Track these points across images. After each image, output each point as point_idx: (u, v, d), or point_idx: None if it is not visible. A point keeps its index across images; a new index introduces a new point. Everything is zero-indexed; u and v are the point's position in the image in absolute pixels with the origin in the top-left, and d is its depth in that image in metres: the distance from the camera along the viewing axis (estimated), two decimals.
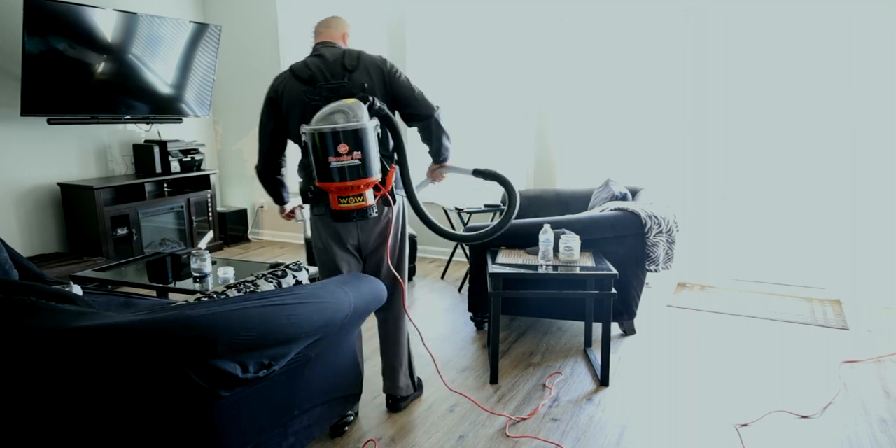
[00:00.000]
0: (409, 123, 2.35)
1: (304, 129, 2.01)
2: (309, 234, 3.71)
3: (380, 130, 2.10)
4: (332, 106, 2.01)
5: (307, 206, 2.37)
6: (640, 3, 4.02)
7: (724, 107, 3.98)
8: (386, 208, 2.27)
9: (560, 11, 4.26)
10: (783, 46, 3.79)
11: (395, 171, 2.23)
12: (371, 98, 2.09)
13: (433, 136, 2.33)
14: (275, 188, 2.44)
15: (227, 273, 3.01)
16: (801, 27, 3.73)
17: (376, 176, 2.04)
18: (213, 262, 3.28)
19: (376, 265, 2.39)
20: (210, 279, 3.02)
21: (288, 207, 2.54)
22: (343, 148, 1.95)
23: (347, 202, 2.02)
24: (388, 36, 4.80)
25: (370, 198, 2.06)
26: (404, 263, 2.46)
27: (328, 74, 2.20)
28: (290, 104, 2.21)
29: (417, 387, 2.64)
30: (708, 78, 3.96)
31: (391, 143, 2.25)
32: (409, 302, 3.83)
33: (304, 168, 2.28)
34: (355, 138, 1.96)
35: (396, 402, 2.52)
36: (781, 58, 3.81)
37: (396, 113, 2.32)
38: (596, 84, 4.27)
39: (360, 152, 1.97)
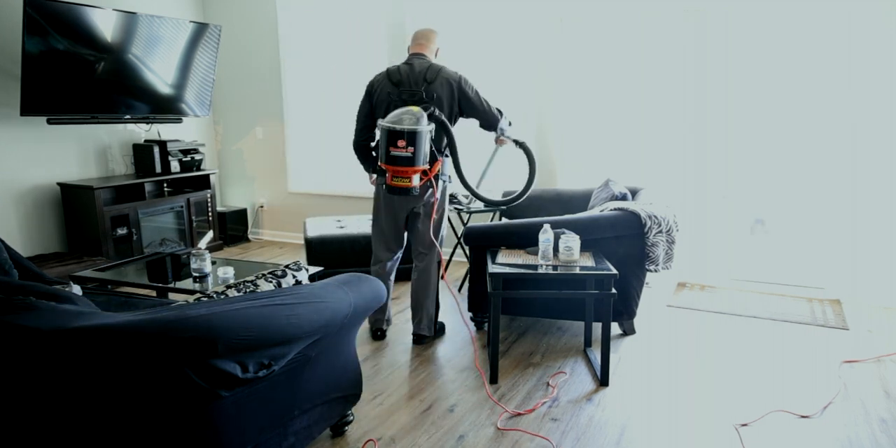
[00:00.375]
0: (481, 127, 3.02)
1: (380, 122, 2.68)
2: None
3: (433, 133, 2.75)
4: (402, 109, 2.66)
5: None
6: (640, 3, 4.02)
7: (724, 107, 3.98)
8: (430, 189, 2.93)
9: (560, 11, 4.26)
10: (783, 46, 3.79)
11: (440, 163, 2.88)
12: (432, 108, 2.73)
13: (497, 133, 3.08)
14: (366, 158, 3.09)
15: (227, 273, 3.01)
16: (802, 27, 3.73)
17: (423, 166, 2.69)
18: (213, 262, 3.27)
19: (419, 230, 3.05)
20: (210, 279, 3.02)
21: (374, 177, 3.15)
22: (401, 143, 2.61)
23: (398, 181, 2.70)
24: (388, 36, 4.80)
25: (415, 181, 2.72)
26: (440, 233, 3.11)
27: (412, 82, 2.86)
28: (379, 98, 2.91)
29: (438, 331, 3.27)
30: (708, 78, 3.96)
31: (445, 141, 2.89)
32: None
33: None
34: (411, 137, 2.61)
35: (420, 337, 3.15)
36: (781, 58, 3.81)
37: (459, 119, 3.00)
38: (596, 84, 4.27)
39: (412, 148, 2.62)
